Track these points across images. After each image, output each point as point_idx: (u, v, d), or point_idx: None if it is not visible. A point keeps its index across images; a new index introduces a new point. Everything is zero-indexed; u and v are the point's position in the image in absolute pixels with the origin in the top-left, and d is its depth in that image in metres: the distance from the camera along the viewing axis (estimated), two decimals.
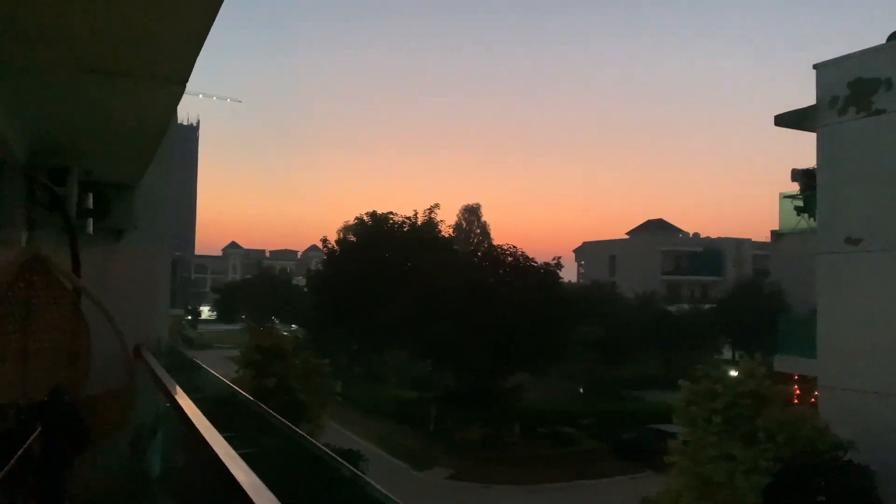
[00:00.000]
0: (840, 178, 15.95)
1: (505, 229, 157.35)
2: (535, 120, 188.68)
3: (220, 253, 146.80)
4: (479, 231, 62.35)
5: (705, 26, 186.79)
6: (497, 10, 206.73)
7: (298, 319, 59.09)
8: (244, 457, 1.63)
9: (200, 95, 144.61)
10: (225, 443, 1.71)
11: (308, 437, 2.22)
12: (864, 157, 15.41)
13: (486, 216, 67.16)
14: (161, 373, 3.25)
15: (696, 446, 14.42)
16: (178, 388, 2.71)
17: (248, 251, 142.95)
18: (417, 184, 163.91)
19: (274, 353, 20.39)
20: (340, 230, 44.02)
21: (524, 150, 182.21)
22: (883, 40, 16.28)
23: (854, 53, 15.83)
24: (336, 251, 41.68)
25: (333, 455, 2.05)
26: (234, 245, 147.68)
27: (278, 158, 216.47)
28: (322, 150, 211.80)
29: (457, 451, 31.05)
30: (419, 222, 40.40)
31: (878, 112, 15.07)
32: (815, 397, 16.75)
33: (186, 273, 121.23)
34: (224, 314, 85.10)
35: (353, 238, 41.42)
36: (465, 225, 62.14)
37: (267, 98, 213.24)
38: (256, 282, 78.91)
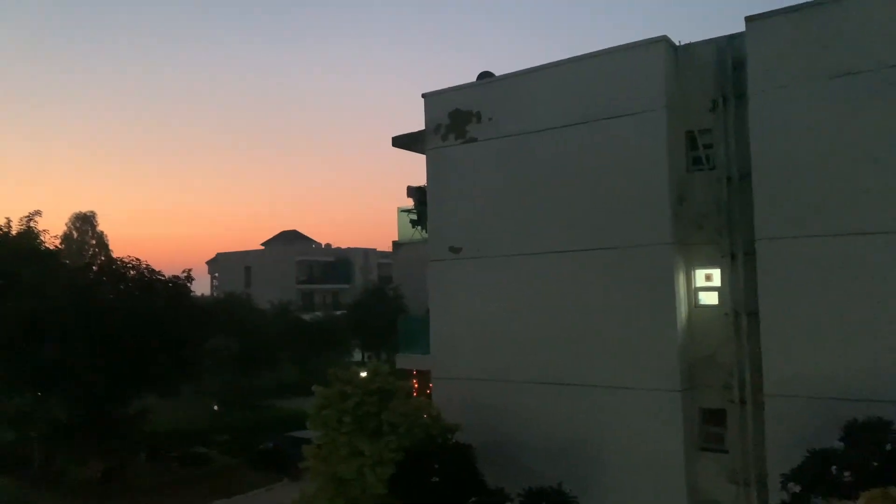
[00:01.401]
0: (444, 196, 18.24)
1: (131, 242, 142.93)
2: (161, 126, 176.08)
3: None
4: (94, 242, 55.53)
5: (339, 43, 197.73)
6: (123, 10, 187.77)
7: None
8: None
9: None
10: None
11: None
12: (462, 178, 17.89)
13: (107, 227, 60.24)
14: None
15: (329, 448, 14.97)
16: None
17: None
18: (12, 188, 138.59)
19: None
20: None
21: (153, 157, 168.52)
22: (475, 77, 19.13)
23: (453, 87, 18.20)
24: None
25: None
26: None
27: None
28: None
29: (71, 492, 27.16)
30: (13, 232, 34.16)
31: (471, 140, 17.67)
32: (430, 389, 18.74)
33: None
34: None
35: None
36: (76, 235, 54.74)
37: None
38: None
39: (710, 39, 14.89)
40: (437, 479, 13.83)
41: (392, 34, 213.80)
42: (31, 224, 35.05)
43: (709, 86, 14.66)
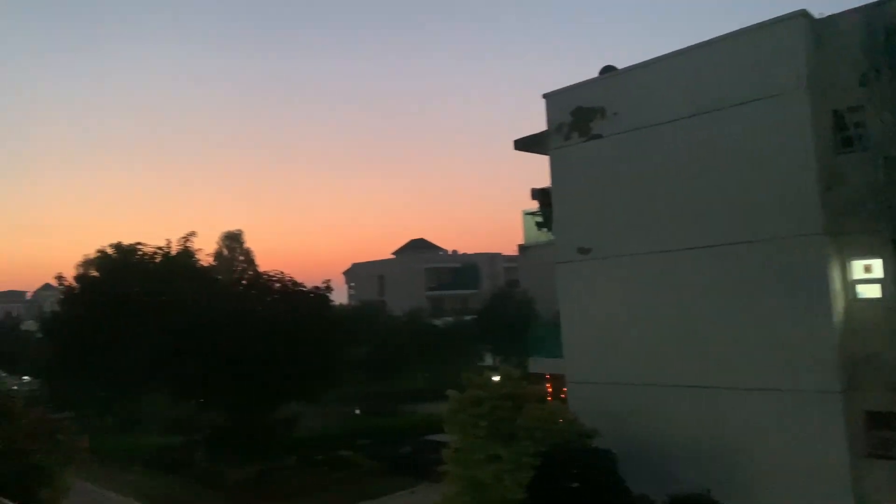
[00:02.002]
0: (569, 196, 17.96)
1: (273, 255, 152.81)
2: (298, 142, 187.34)
3: None
4: (242, 258, 59.70)
5: (458, 54, 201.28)
6: (245, 23, 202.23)
7: (32, 370, 51.51)
8: None
9: None
10: None
11: None
12: (587, 177, 17.54)
13: (252, 243, 64.62)
14: None
15: (466, 452, 15.10)
16: None
17: None
18: (170, 212, 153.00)
19: None
20: (80, 265, 39.24)
21: (289, 173, 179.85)
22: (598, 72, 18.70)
23: (575, 84, 17.92)
24: (75, 289, 37.04)
25: None
26: None
27: None
28: (52, 177, 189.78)
29: (229, 491, 29.26)
30: (173, 252, 37.49)
31: (595, 137, 17.28)
32: (565, 393, 18.45)
33: None
34: None
35: (95, 273, 37.14)
36: (226, 253, 59.12)
37: None
38: None
39: (856, 8, 13.66)
40: (577, 485, 13.58)
41: (511, 35, 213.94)
42: (188, 244, 38.29)
43: (857, 59, 13.42)
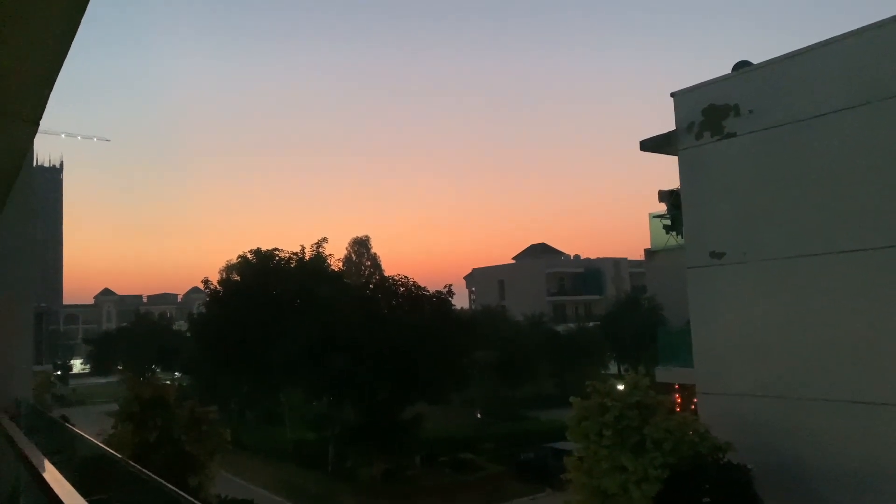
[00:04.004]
0: (701, 198, 17.16)
1: (396, 260, 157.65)
2: (420, 151, 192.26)
3: (91, 301, 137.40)
4: (369, 263, 62.13)
5: (578, 55, 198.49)
6: (373, 27, 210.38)
7: (182, 366, 56.20)
8: None
9: (63, 135, 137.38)
10: None
11: (181, 491, 2.08)
12: (720, 177, 16.69)
13: (376, 247, 66.98)
14: (19, 437, 2.95)
15: (591, 461, 14.80)
16: (38, 453, 2.46)
17: (124, 297, 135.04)
18: (303, 218, 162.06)
19: (154, 403, 19.12)
20: (223, 270, 42.25)
21: (410, 180, 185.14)
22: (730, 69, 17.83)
23: (706, 82, 17.14)
24: (219, 292, 39.93)
25: None
26: (107, 292, 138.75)
27: (152, 199, 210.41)
28: (198, 188, 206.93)
29: (359, 488, 30.40)
30: (307, 257, 39.55)
31: (730, 135, 16.41)
32: (695, 404, 17.64)
33: (54, 325, 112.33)
34: (99, 367, 79.51)
35: (237, 277, 39.87)
36: (354, 258, 61.75)
37: (137, 137, 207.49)
38: (134, 329, 74.18)
39: None
40: (709, 500, 12.95)
41: (637, 35, 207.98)
42: (320, 250, 40.27)
43: None
